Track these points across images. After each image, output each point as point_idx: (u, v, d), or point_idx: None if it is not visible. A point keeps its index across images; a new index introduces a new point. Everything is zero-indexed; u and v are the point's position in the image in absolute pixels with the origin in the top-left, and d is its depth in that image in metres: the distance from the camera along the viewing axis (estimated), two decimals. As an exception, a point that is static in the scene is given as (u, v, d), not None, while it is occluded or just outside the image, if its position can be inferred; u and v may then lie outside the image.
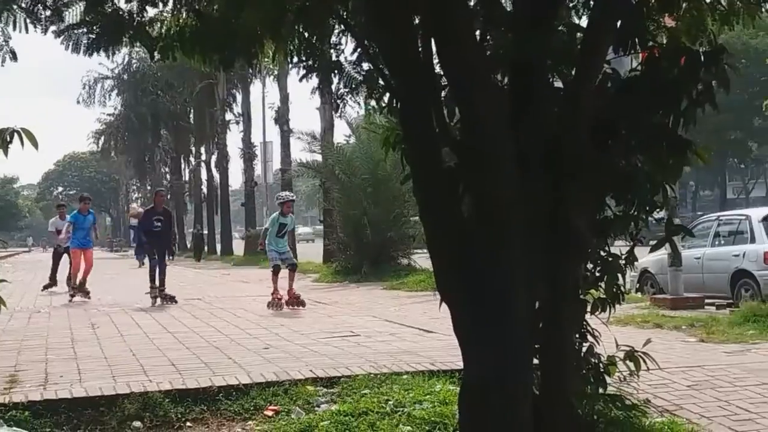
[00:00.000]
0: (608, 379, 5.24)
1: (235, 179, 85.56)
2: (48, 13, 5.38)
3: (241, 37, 5.10)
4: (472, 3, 4.63)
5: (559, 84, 4.74)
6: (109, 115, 63.28)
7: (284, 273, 14.83)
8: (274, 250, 14.90)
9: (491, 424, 4.11)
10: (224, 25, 5.05)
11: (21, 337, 11.10)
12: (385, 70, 4.69)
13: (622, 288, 5.02)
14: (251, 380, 7.41)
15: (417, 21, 4.39)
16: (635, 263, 5.06)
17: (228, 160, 48.81)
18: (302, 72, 5.50)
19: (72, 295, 17.30)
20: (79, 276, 17.75)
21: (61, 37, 5.60)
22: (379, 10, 4.28)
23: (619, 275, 4.96)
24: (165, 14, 5.45)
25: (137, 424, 6.66)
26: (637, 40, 4.67)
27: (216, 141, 48.63)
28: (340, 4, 4.97)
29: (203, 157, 54.53)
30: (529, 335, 4.28)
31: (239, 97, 48.83)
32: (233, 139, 66.66)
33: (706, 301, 13.77)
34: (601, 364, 5.15)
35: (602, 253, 4.90)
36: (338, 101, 5.67)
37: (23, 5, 5.39)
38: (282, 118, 37.95)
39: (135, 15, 5.23)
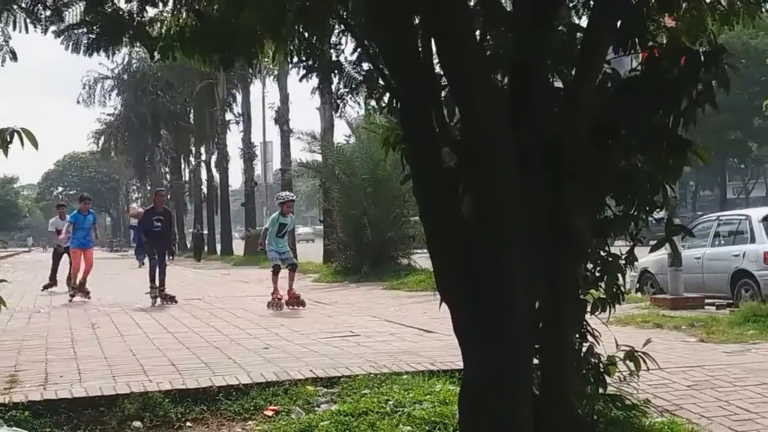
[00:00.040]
0: (608, 379, 5.24)
1: (235, 179, 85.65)
2: (48, 13, 5.38)
3: (241, 37, 5.10)
4: (472, 3, 4.63)
5: (559, 84, 4.74)
6: (109, 115, 63.37)
7: (284, 273, 14.82)
8: (274, 250, 14.89)
9: (491, 424, 4.11)
10: (224, 25, 5.05)
11: (21, 337, 11.11)
12: (385, 70, 4.69)
13: (622, 288, 5.02)
14: (251, 380, 7.41)
15: (417, 21, 4.39)
16: (635, 263, 5.06)
17: (228, 160, 48.84)
18: (302, 72, 5.50)
19: (72, 295, 17.30)
20: (79, 276, 17.74)
21: (61, 37, 5.60)
22: (379, 10, 4.28)
23: (619, 275, 4.96)
24: (165, 14, 5.45)
25: (137, 424, 6.66)
26: (637, 40, 4.67)
27: (216, 141, 48.63)
28: (340, 4, 4.97)
29: (203, 157, 54.55)
30: (529, 335, 4.28)
31: (239, 97, 48.87)
32: (233, 139, 66.92)
33: (706, 301, 13.77)
34: (601, 364, 5.15)
35: (602, 253, 4.90)
36: (338, 101, 5.67)
37: (23, 5, 5.39)
38: (282, 118, 37.96)
39: (135, 15, 5.23)
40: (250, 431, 6.56)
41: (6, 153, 4.05)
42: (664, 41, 4.86)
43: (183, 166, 61.28)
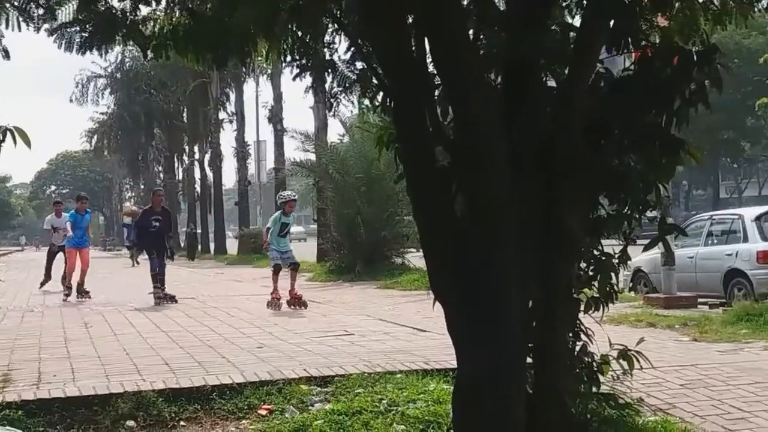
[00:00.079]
0: (601, 378, 5.25)
1: (229, 178, 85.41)
2: (41, 11, 5.37)
3: (234, 35, 5.10)
4: (465, 2, 4.63)
5: (552, 83, 4.75)
6: (102, 113, 63.20)
7: (284, 273, 14.75)
8: (275, 250, 14.82)
9: (485, 423, 4.11)
10: (217, 23, 5.05)
11: (14, 336, 11.08)
12: (379, 69, 4.69)
13: (615, 287, 5.03)
14: (245, 379, 7.40)
15: (410, 20, 4.39)
16: (628, 262, 5.07)
17: (221, 159, 48.81)
18: (296, 71, 5.50)
19: (66, 295, 17.21)
20: (75, 277, 17.60)
21: (54, 36, 5.59)
22: (373, 9, 4.28)
23: (613, 274, 4.97)
24: (158, 13, 5.44)
25: (131, 423, 6.65)
26: (630, 39, 4.68)
27: (209, 140, 48.58)
28: (334, 3, 4.97)
29: (197, 156, 54.47)
30: (522, 334, 4.29)
31: (233, 96, 48.86)
32: (227, 138, 66.73)
33: (699, 300, 13.79)
34: (594, 363, 5.17)
35: (595, 253, 4.91)
36: (332, 100, 5.67)
37: (16, 3, 5.39)
38: (275, 117, 37.97)
39: (128, 13, 5.22)
40: (244, 430, 6.55)
41: (-2, 151, 4.04)
42: (657, 41, 4.87)
43: (176, 165, 61.21)
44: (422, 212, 4.38)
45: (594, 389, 5.18)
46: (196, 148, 54.75)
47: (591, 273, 4.94)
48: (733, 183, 70.39)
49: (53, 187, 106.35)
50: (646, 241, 4.98)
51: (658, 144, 4.62)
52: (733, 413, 6.57)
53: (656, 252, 13.42)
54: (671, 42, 4.83)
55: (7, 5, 5.38)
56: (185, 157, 59.23)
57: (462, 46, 4.17)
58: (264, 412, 6.78)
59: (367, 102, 5.38)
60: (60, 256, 19.20)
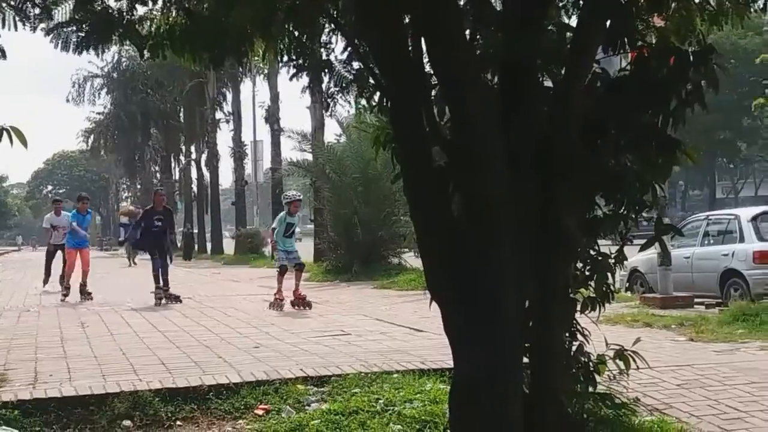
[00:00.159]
0: (598, 378, 5.26)
1: (226, 178, 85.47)
2: (37, 11, 5.36)
3: (231, 35, 5.10)
4: (462, 2, 4.63)
5: (549, 83, 4.75)
6: (98, 113, 63.16)
7: (288, 274, 14.72)
8: (281, 250, 14.75)
9: (481, 423, 4.12)
10: (214, 23, 5.05)
11: (10, 335, 11.06)
12: (376, 69, 4.69)
13: (611, 287, 5.04)
14: (241, 379, 7.40)
15: (407, 20, 4.39)
16: (625, 262, 5.08)
17: (218, 159, 48.83)
18: (293, 71, 5.49)
19: (65, 295, 17.12)
20: (74, 277, 17.49)
21: (51, 35, 5.58)
22: (369, 9, 4.28)
23: (609, 274, 4.98)
24: (155, 12, 5.43)
25: (127, 423, 6.64)
26: (626, 39, 4.68)
27: (206, 140, 48.57)
28: (331, 3, 4.96)
29: (193, 156, 54.48)
30: (519, 334, 4.29)
31: (229, 96, 48.85)
32: (223, 138, 66.97)
33: (696, 300, 13.81)
34: (590, 363, 5.17)
35: (592, 253, 4.92)
36: (329, 100, 5.66)
37: (12, 3, 5.37)
38: (272, 117, 37.97)
39: (125, 13, 5.21)
40: (240, 430, 6.55)
41: (-5, 151, 4.03)
42: (654, 41, 4.88)
43: (173, 165, 61.14)
44: (419, 212, 4.38)
45: (590, 389, 5.19)
46: (192, 148, 54.74)
47: (587, 273, 4.94)
48: (730, 183, 70.50)
49: (50, 187, 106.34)
50: (642, 241, 4.99)
51: (654, 144, 4.63)
52: (730, 413, 6.58)
53: (653, 252, 13.41)
54: (667, 42, 4.84)
55: (3, 4, 5.36)
56: (182, 157, 59.20)
57: (459, 46, 4.17)
58: (260, 412, 6.78)
59: (364, 102, 5.38)
60: (58, 255, 19.12)
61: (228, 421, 6.76)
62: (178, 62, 5.94)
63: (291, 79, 5.48)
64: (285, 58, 5.42)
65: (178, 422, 6.73)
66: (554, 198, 4.36)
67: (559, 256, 4.49)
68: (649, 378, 7.43)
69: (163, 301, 15.63)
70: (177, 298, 15.85)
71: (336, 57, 5.41)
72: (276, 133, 37.47)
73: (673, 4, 4.97)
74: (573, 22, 4.94)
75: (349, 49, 5.14)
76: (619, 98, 4.61)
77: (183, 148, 58.16)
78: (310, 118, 30.10)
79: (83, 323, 12.38)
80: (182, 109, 52.51)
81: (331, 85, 5.53)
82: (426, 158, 4.27)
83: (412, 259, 20.54)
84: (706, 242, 15.29)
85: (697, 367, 8.15)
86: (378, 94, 4.95)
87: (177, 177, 60.35)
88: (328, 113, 25.21)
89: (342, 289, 19.73)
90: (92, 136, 65.47)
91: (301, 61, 5.38)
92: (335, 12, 5.04)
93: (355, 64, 5.20)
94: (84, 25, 5.29)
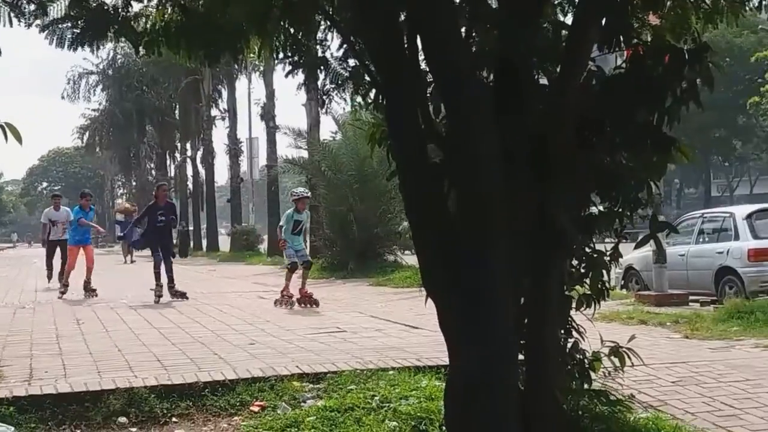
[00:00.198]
0: (593, 375, 5.27)
1: (221, 175, 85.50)
2: (32, 7, 5.35)
3: (226, 32, 5.10)
4: (457, 0, 4.64)
5: (544, 81, 4.76)
6: (93, 110, 62.91)
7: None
8: (290, 247, 14.68)
9: (477, 420, 4.12)
10: (210, 20, 5.05)
11: (6, 332, 11.04)
12: (371, 67, 4.69)
13: (606, 284, 5.05)
14: (237, 376, 7.40)
15: (403, 17, 4.40)
16: (620, 260, 5.09)
17: (214, 156, 48.65)
18: (288, 68, 5.50)
19: (62, 292, 17.08)
20: (73, 274, 17.43)
21: (46, 32, 5.58)
22: (365, 6, 4.29)
23: (604, 272, 4.99)
24: (150, 9, 5.43)
25: (123, 419, 6.64)
26: (621, 37, 4.69)
27: (201, 137, 48.44)
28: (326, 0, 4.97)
29: (189, 153, 54.29)
30: (514, 331, 4.30)
31: (225, 93, 48.68)
32: (219, 135, 66.94)
33: (691, 297, 13.85)
34: (586, 360, 5.19)
35: (587, 250, 4.93)
36: (324, 97, 5.67)
37: (7, -1, 5.36)
38: (268, 114, 37.91)
39: (120, 10, 5.21)
40: (236, 427, 6.55)
41: (-10, 147, 4.03)
42: (649, 39, 4.88)
43: (168, 162, 60.97)
44: (415, 209, 4.39)
45: (585, 386, 5.20)
46: (188, 145, 54.57)
47: (583, 270, 4.96)
48: (725, 181, 70.62)
49: (45, 184, 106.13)
50: (638, 239, 5.00)
51: (649, 142, 4.64)
52: (724, 410, 6.60)
53: (648, 250, 13.46)
54: (663, 40, 4.85)
55: (-1, 0, 5.36)
56: (177, 154, 59.01)
57: (454, 44, 4.17)
58: (256, 409, 6.79)
59: (359, 99, 5.38)
60: (58, 252, 19.04)
61: (224, 417, 6.76)
62: (174, 59, 5.94)
63: (287, 76, 5.51)
64: (281, 55, 5.43)
65: (174, 419, 6.73)
66: (549, 195, 4.36)
67: (555, 254, 4.50)
68: (644, 375, 7.44)
69: (169, 298, 15.51)
70: (183, 295, 15.72)
71: (332, 54, 5.42)
72: (272, 130, 37.41)
73: (668, 2, 4.99)
74: (568, 20, 4.95)
75: (344, 46, 5.15)
76: (614, 96, 4.62)
77: (178, 145, 57.97)
78: (305, 116, 30.09)
79: (79, 320, 12.37)
80: (177, 106, 52.34)
81: (327, 82, 5.53)
82: (421, 155, 4.27)
83: (407, 257, 20.55)
84: (701, 240, 15.31)
85: (692, 364, 8.17)
86: (373, 91, 4.95)
87: (172, 174, 60.19)
88: (324, 110, 25.30)
89: (337, 286, 19.72)
90: (87, 133, 65.27)
91: (296, 58, 5.38)
92: (331, 9, 5.04)
93: (351, 62, 5.21)
94: (79, 22, 5.29)
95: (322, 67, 5.46)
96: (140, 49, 5.39)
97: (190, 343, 9.69)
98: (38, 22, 5.47)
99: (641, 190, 4.76)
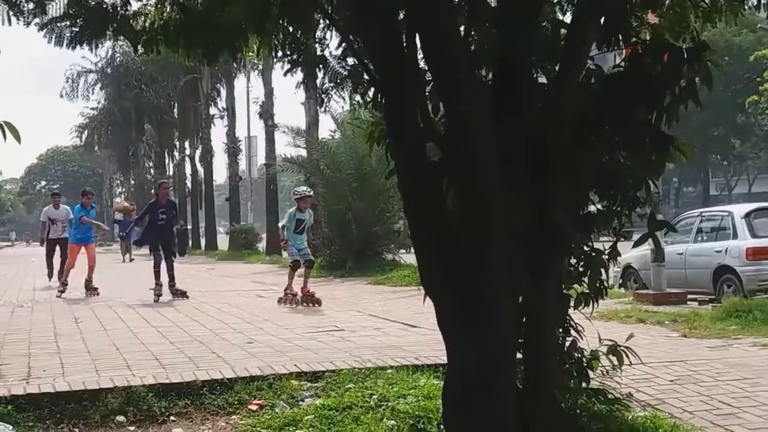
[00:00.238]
0: (591, 374, 5.27)
1: (220, 174, 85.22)
2: (31, 5, 5.35)
3: (225, 31, 5.10)
4: (456, -2, 4.64)
5: (543, 80, 4.76)
6: (92, 109, 62.86)
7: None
8: (292, 246, 14.67)
9: (475, 418, 4.12)
10: (208, 18, 5.05)
11: (4, 331, 11.03)
12: (370, 65, 4.69)
13: (605, 283, 5.05)
14: (235, 374, 7.40)
15: (402, 16, 4.40)
16: (618, 258, 5.09)
17: (212, 154, 48.66)
18: (287, 66, 5.51)
19: (61, 291, 17.05)
20: (69, 273, 17.41)
21: (44, 30, 5.57)
22: (364, 4, 4.29)
23: (602, 270, 4.99)
24: (149, 8, 5.43)
25: (121, 418, 6.64)
26: (620, 36, 4.69)
27: (200, 135, 48.43)
28: (326, -2, 4.97)
29: (187, 152, 54.30)
30: (512, 330, 4.30)
31: (223, 92, 48.66)
32: (218, 134, 66.86)
33: (689, 296, 13.84)
34: (584, 359, 5.19)
35: (585, 249, 4.93)
36: (323, 96, 5.67)
37: (7, -3, 5.36)
38: (267, 112, 37.90)
39: (119, 8, 5.21)
40: (234, 425, 6.54)
41: (-11, 145, 4.04)
42: (648, 38, 4.88)
43: (167, 160, 60.99)
44: (413, 208, 4.39)
45: (584, 384, 5.20)
46: (186, 144, 54.58)
47: (581, 269, 4.96)
48: (723, 180, 70.64)
49: (43, 183, 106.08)
50: (636, 237, 5.00)
51: (648, 141, 4.65)
52: (722, 409, 6.60)
53: (646, 248, 13.46)
54: (661, 39, 4.85)
55: (-3, -1, 5.35)
56: (176, 153, 59.04)
57: (453, 43, 4.17)
58: (254, 408, 6.78)
59: (358, 98, 5.38)
60: (58, 250, 19.00)
61: (222, 416, 6.76)
62: (172, 58, 5.93)
63: (285, 74, 5.51)
64: (279, 54, 5.43)
65: (172, 417, 6.73)
66: (548, 194, 4.37)
67: (553, 252, 4.50)
68: (642, 374, 7.45)
69: (169, 297, 15.49)
70: (183, 294, 15.69)
71: (330, 53, 5.42)
72: (270, 128, 37.40)
73: (667, 1, 4.99)
74: (567, 18, 4.95)
75: (343, 44, 5.14)
76: (613, 95, 4.62)
77: (177, 143, 57.99)
78: (304, 114, 30.09)
79: (77, 318, 12.37)
80: (176, 105, 52.36)
81: (326, 80, 5.54)
82: (420, 154, 4.28)
83: (406, 255, 20.53)
84: (699, 239, 15.31)
85: (690, 363, 8.17)
86: (372, 89, 4.95)
87: (171, 173, 60.18)
88: (323, 109, 25.29)
89: (336, 284, 19.71)
90: (86, 132, 65.23)
91: (295, 57, 5.38)
92: (330, 7, 5.04)
93: (350, 60, 5.21)
94: (78, 20, 5.29)
95: (320, 66, 5.45)
96: (139, 47, 5.39)
97: (188, 342, 9.68)
98: (37, 20, 5.47)
99: (640, 188, 4.76)
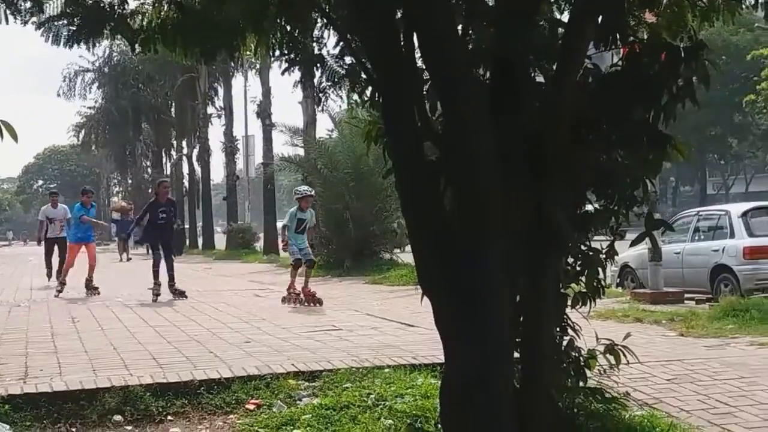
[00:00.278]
0: (588, 373, 5.27)
1: (217, 173, 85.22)
2: (28, 4, 5.35)
3: (222, 30, 5.10)
4: (454, -3, 4.64)
5: (540, 79, 4.76)
6: (89, 108, 62.82)
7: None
8: (293, 245, 14.66)
9: (472, 418, 4.13)
10: (206, 17, 5.05)
11: (1, 330, 11.03)
12: (368, 64, 4.69)
13: (602, 282, 5.06)
14: (233, 374, 7.40)
15: (399, 15, 4.39)
16: (615, 258, 5.09)
17: (210, 154, 48.61)
18: (284, 65, 5.50)
19: (59, 290, 17.02)
20: (68, 273, 17.38)
21: (42, 29, 5.56)
22: (362, 3, 4.28)
23: (600, 269, 4.99)
24: (146, 6, 5.42)
25: (118, 418, 6.63)
26: (618, 35, 4.70)
27: (197, 135, 48.40)
28: (323, -3, 4.97)
29: (185, 151, 54.26)
30: (510, 329, 4.30)
31: (221, 91, 48.64)
32: (215, 133, 66.83)
33: (686, 295, 13.85)
34: (581, 358, 5.19)
35: (583, 248, 4.93)
36: (320, 95, 5.67)
37: (3, -4, 5.36)
38: (264, 112, 37.88)
39: (116, 7, 5.21)
40: (231, 425, 6.54)
41: (-14, 145, 4.03)
42: (645, 37, 4.89)
43: (164, 159, 60.91)
44: (411, 207, 4.39)
45: (581, 383, 5.20)
46: (184, 143, 54.53)
47: (578, 268, 4.96)
48: (720, 179, 70.71)
49: (40, 182, 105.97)
50: (633, 236, 5.00)
51: (645, 140, 4.65)
52: (719, 408, 6.61)
53: (643, 248, 13.46)
54: (659, 38, 4.85)
55: (-6, -2, 5.35)
56: (173, 152, 58.98)
57: (450, 42, 4.17)
58: (252, 407, 6.78)
59: (355, 97, 5.38)
60: (56, 249, 18.96)
61: (219, 416, 6.75)
62: (170, 57, 5.93)
63: (283, 73, 5.49)
64: (277, 53, 5.42)
65: (169, 417, 6.73)
66: (546, 193, 4.37)
67: (550, 251, 4.50)
68: (639, 373, 7.45)
69: (168, 296, 15.46)
70: (183, 293, 15.67)
71: (328, 52, 5.42)
72: (268, 128, 37.38)
73: (664, 0, 4.99)
74: (565, 17, 4.95)
75: (341, 43, 5.14)
76: (610, 94, 4.62)
77: (174, 143, 57.95)
78: (302, 113, 30.11)
79: (74, 318, 12.36)
80: (173, 104, 52.33)
81: (323, 79, 5.54)
82: (418, 153, 4.27)
83: (403, 255, 20.52)
84: (696, 238, 15.33)
85: (687, 362, 8.18)
86: (370, 89, 4.95)
87: (168, 172, 60.10)
88: (320, 108, 25.29)
89: (333, 284, 19.70)
90: (83, 131, 65.18)
91: (293, 56, 5.38)
92: (327, 6, 5.04)
93: (348, 59, 5.21)
94: (75, 19, 5.28)
95: (318, 65, 5.45)
96: (136, 46, 5.38)
97: (185, 341, 9.68)
98: (34, 19, 5.47)
99: (637, 187, 4.76)
